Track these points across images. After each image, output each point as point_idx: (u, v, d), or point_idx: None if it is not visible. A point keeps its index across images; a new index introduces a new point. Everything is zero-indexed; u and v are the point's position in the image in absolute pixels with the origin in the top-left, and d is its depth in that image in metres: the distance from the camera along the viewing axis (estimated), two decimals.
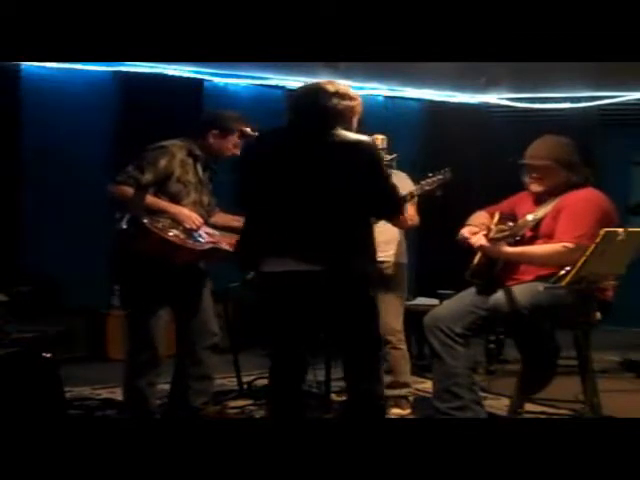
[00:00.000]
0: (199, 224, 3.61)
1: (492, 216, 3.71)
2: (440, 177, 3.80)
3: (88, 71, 6.06)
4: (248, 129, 3.70)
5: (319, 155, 2.97)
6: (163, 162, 3.59)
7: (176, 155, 3.64)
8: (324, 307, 3.01)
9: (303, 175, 2.95)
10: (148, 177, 3.55)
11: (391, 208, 3.19)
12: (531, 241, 3.51)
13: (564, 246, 3.34)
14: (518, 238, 3.48)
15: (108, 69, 6.11)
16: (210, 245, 3.63)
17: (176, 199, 3.63)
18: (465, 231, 3.60)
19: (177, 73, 6.31)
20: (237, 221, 3.93)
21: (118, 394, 4.02)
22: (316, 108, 3.00)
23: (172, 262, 3.53)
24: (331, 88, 3.01)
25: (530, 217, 3.46)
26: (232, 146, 3.74)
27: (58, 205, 5.84)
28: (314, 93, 3.03)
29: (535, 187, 3.57)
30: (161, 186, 3.61)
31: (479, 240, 3.49)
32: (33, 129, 5.80)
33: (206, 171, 3.79)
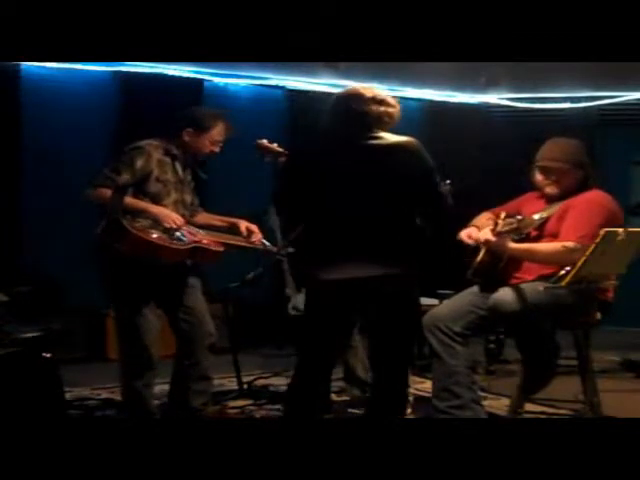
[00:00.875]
0: (180, 223, 3.59)
1: (498, 216, 3.72)
2: None
3: (88, 71, 6.04)
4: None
5: (370, 159, 2.96)
6: (140, 162, 3.57)
7: (153, 154, 3.62)
8: (375, 310, 3.02)
9: (358, 181, 2.94)
10: (125, 178, 3.53)
11: (440, 207, 3.15)
12: (535, 240, 3.51)
13: (567, 245, 3.34)
14: (523, 236, 3.48)
15: (108, 69, 6.10)
16: (192, 244, 3.62)
17: (157, 199, 3.62)
18: (464, 234, 3.59)
19: (177, 73, 6.30)
20: (219, 220, 3.93)
21: (118, 394, 4.01)
22: (354, 113, 2.98)
23: (154, 262, 3.52)
24: (368, 93, 3.01)
25: (536, 216, 3.47)
26: (209, 144, 3.72)
27: (58, 205, 5.82)
28: (351, 99, 3.02)
29: (551, 189, 3.58)
30: (140, 186, 3.60)
31: (485, 235, 3.49)
32: (33, 129, 5.79)
33: (186, 170, 3.78)
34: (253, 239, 3.84)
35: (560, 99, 7.38)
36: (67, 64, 5.92)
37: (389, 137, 2.99)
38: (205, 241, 3.69)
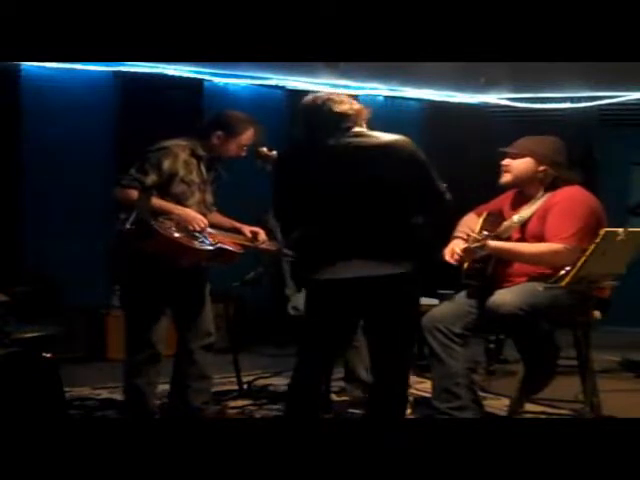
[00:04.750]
0: (204, 226, 3.60)
1: (480, 217, 3.70)
2: None
3: (88, 71, 6.05)
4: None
5: (360, 158, 2.96)
6: (167, 163, 3.57)
7: (179, 155, 3.62)
8: (375, 309, 3.02)
9: (351, 180, 2.94)
10: (152, 178, 3.53)
11: (438, 202, 3.13)
12: (519, 242, 3.50)
13: (555, 248, 3.33)
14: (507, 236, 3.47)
15: (108, 69, 6.11)
16: (216, 246, 3.63)
17: (181, 199, 3.62)
18: (447, 255, 3.57)
19: (177, 73, 6.31)
20: (227, 222, 3.93)
21: (118, 394, 4.02)
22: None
23: (179, 263, 3.53)
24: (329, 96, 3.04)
25: (515, 218, 3.46)
26: (236, 148, 3.72)
27: (58, 205, 5.83)
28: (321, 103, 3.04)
29: (503, 178, 3.58)
30: (165, 187, 3.59)
31: (458, 245, 3.48)
32: (33, 129, 5.79)
33: (210, 171, 3.78)
34: (259, 240, 3.85)
35: (560, 99, 7.38)
36: (67, 64, 5.92)
37: (381, 136, 2.99)
38: (227, 243, 3.70)
